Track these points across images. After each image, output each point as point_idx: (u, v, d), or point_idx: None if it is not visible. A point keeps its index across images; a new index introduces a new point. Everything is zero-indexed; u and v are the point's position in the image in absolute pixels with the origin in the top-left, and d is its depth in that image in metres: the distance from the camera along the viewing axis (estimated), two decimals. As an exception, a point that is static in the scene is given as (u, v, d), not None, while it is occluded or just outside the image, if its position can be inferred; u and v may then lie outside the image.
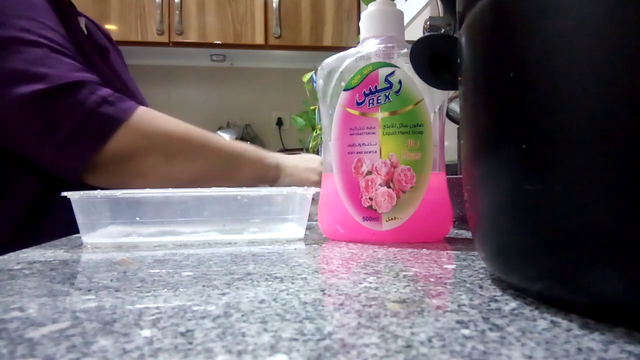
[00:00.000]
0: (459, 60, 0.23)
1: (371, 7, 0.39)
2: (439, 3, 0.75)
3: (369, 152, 0.36)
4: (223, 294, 0.20)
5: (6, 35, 0.51)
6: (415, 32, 1.22)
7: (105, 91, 0.53)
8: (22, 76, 0.49)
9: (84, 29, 0.71)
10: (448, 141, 0.43)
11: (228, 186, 0.39)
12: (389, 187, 0.36)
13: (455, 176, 0.42)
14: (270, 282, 0.23)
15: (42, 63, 0.50)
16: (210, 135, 0.62)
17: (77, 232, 0.38)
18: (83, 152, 0.52)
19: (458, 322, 0.16)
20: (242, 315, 0.17)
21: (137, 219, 0.37)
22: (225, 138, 0.63)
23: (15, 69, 0.50)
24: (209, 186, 0.38)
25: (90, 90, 0.52)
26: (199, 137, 0.60)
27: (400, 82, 0.35)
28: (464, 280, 0.23)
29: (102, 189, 0.37)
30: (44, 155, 0.52)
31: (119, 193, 0.36)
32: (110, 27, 1.91)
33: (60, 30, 0.57)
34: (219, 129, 2.35)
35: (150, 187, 0.55)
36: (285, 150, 2.23)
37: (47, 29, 0.54)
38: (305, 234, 0.40)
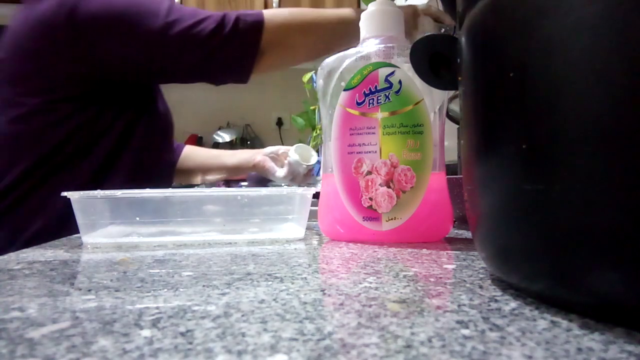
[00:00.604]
0: (459, 60, 0.24)
1: (371, 7, 0.39)
2: (439, 3, 0.75)
3: (369, 152, 0.36)
4: (223, 294, 0.20)
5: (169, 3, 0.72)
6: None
7: (230, 12, 0.73)
8: (196, 22, 0.71)
9: None
10: (448, 141, 0.43)
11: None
12: (389, 187, 0.36)
13: (455, 176, 0.42)
14: (270, 282, 0.23)
15: (197, 13, 0.72)
16: (310, 9, 0.79)
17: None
18: (252, 46, 0.74)
19: (458, 322, 0.16)
20: (242, 315, 0.17)
21: (137, 219, 0.37)
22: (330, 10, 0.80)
23: (189, 18, 0.71)
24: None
25: (228, 17, 0.72)
26: (309, 13, 0.78)
27: (400, 82, 0.35)
28: (464, 280, 0.23)
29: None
30: (229, 60, 0.74)
31: (119, 193, 0.36)
32: (110, 27, 1.90)
33: None
34: (219, 128, 2.34)
35: (298, 61, 0.81)
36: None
37: None
38: (305, 234, 0.40)
